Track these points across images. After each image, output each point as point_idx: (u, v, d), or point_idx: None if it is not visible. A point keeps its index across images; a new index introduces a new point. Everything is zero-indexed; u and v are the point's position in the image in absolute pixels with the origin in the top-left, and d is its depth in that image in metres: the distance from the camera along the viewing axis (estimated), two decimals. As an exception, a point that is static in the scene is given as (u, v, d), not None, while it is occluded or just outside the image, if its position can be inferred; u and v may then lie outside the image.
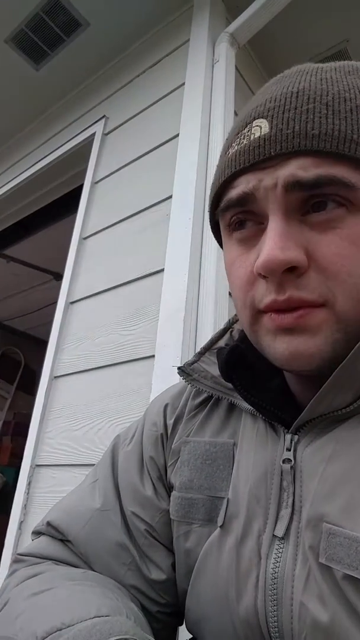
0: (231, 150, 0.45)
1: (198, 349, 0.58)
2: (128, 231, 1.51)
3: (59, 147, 2.05)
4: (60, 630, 0.37)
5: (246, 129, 0.43)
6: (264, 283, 0.42)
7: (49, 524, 0.56)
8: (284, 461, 0.44)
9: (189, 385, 0.57)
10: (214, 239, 1.27)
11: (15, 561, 0.56)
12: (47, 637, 0.37)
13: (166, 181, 1.43)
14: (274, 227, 0.40)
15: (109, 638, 0.36)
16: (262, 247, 0.41)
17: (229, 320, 0.59)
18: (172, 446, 0.56)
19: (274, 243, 0.39)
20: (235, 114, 1.50)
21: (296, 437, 0.45)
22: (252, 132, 0.42)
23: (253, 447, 0.48)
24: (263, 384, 0.49)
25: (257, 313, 0.43)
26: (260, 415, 0.49)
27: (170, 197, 1.38)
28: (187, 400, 0.59)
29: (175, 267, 1.25)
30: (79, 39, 1.95)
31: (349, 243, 0.39)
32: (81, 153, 1.95)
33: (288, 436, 0.46)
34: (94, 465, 1.21)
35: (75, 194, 1.95)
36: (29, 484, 1.39)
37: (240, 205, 0.43)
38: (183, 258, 1.23)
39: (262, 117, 0.42)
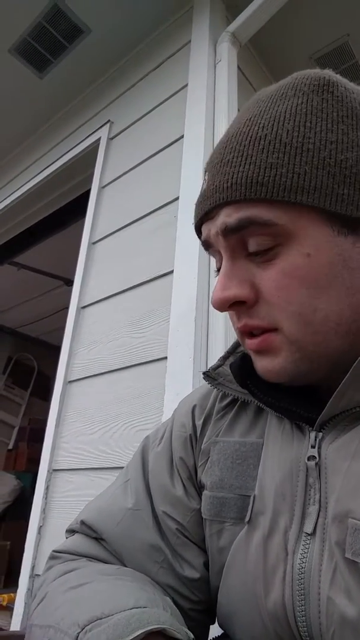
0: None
1: (214, 350, 0.60)
2: (136, 234, 1.52)
3: (65, 154, 2.07)
4: (101, 619, 0.39)
5: (202, 180, 0.51)
6: (233, 313, 0.49)
7: (82, 522, 0.58)
8: (308, 458, 0.45)
9: (215, 389, 0.58)
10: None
11: (51, 557, 0.58)
12: (88, 624, 0.39)
13: (173, 183, 1.44)
14: (222, 269, 0.47)
15: (146, 627, 0.37)
16: None
17: None
18: (202, 446, 0.57)
19: (218, 284, 0.46)
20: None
21: (320, 434, 0.46)
22: (202, 184, 0.50)
23: (279, 445, 0.49)
24: (283, 385, 0.50)
25: (240, 335, 0.49)
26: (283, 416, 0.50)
27: (178, 198, 1.39)
28: (215, 401, 0.60)
29: (185, 268, 1.25)
30: (81, 46, 1.97)
31: (283, 275, 0.44)
32: (87, 158, 1.97)
33: (312, 434, 0.46)
34: (111, 468, 1.23)
35: (83, 199, 1.96)
36: (46, 488, 1.40)
37: (206, 248, 0.51)
38: (192, 259, 1.24)
39: (207, 171, 0.50)
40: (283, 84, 0.48)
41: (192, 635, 0.41)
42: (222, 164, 0.46)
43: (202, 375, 0.59)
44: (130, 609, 0.40)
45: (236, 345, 0.58)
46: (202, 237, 0.51)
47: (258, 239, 0.45)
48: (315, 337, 0.44)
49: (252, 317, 0.46)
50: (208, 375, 0.57)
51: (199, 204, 0.49)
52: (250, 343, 0.47)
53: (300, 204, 0.43)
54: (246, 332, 0.47)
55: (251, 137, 0.45)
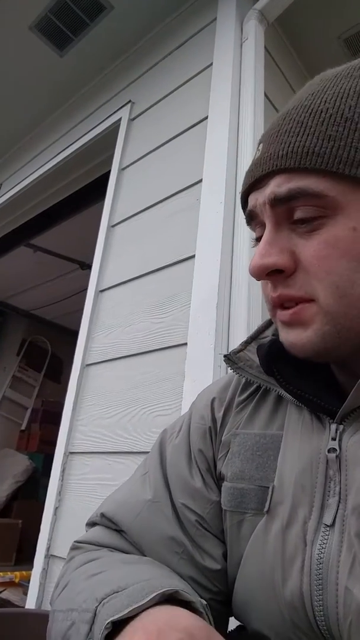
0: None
1: (235, 337, 0.60)
2: (157, 217, 1.49)
3: (84, 135, 2.04)
4: (117, 592, 0.41)
5: (255, 151, 0.52)
6: (269, 282, 0.48)
7: (103, 515, 0.59)
8: (329, 450, 0.46)
9: (235, 374, 0.58)
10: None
11: (73, 548, 0.59)
12: (105, 597, 0.41)
13: (195, 165, 1.41)
14: (264, 237, 0.47)
15: (159, 590, 0.40)
16: None
17: None
18: (222, 439, 0.58)
19: (258, 251, 0.47)
20: (265, 94, 1.46)
21: (341, 426, 0.46)
22: (255, 154, 0.51)
23: (298, 437, 0.49)
24: (307, 374, 0.51)
25: (272, 308, 0.49)
26: (304, 406, 0.50)
27: (201, 181, 1.36)
28: (234, 394, 0.60)
29: (207, 253, 1.23)
30: (102, 23, 1.93)
31: (325, 245, 0.44)
32: (107, 140, 1.94)
33: (333, 426, 0.47)
34: (127, 452, 1.23)
35: (102, 181, 1.94)
36: (63, 470, 1.40)
37: (250, 219, 0.52)
38: (215, 243, 1.21)
39: (262, 141, 0.50)
40: (351, 65, 0.49)
41: (204, 601, 0.42)
42: (279, 133, 0.47)
43: (222, 358, 0.60)
44: (147, 580, 0.42)
45: (260, 331, 0.59)
46: (248, 208, 0.51)
47: (306, 210, 0.45)
48: (350, 310, 0.44)
49: (289, 287, 0.46)
50: (229, 358, 0.58)
51: (250, 172, 0.50)
52: (282, 314, 0.47)
53: (353, 177, 0.43)
54: (279, 304, 0.48)
55: (312, 110, 0.45)
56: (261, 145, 0.50)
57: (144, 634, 0.35)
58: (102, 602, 0.40)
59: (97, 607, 0.40)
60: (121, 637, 0.37)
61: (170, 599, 0.40)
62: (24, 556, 3.20)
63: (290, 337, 0.47)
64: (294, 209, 0.46)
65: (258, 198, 0.48)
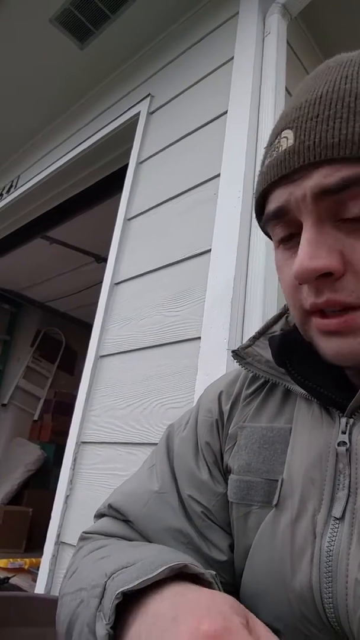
0: (266, 162, 0.48)
1: (249, 333, 0.60)
2: (174, 211, 1.49)
3: (103, 127, 2.04)
4: (126, 567, 0.41)
5: (276, 140, 0.46)
6: (306, 287, 0.45)
7: (110, 506, 0.59)
8: (339, 444, 0.46)
9: (243, 369, 0.58)
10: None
11: (81, 539, 0.60)
12: (115, 572, 0.41)
13: (214, 159, 1.40)
14: (306, 236, 0.43)
15: (169, 564, 0.39)
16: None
17: (284, 305, 0.59)
18: (229, 431, 0.58)
19: (303, 253, 0.42)
20: (287, 90, 1.45)
21: (351, 420, 0.46)
22: (280, 143, 0.45)
23: (308, 430, 0.50)
24: (317, 368, 0.50)
25: (305, 313, 0.46)
26: (315, 400, 0.50)
27: (219, 175, 1.35)
28: (241, 388, 0.60)
29: (223, 248, 1.23)
30: (124, 16, 1.93)
31: None
32: (126, 133, 1.94)
33: (343, 419, 0.47)
34: (140, 443, 1.24)
35: (119, 174, 1.95)
36: (74, 460, 1.42)
37: (277, 217, 0.46)
38: (231, 238, 1.21)
39: (289, 128, 0.45)
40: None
41: (214, 572, 0.42)
42: (319, 120, 0.42)
43: (231, 354, 0.59)
44: (156, 554, 0.42)
45: (268, 326, 0.58)
46: (277, 204, 0.46)
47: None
48: None
49: (337, 292, 0.43)
50: (237, 354, 0.58)
51: (279, 164, 0.45)
52: (326, 323, 0.44)
53: None
54: (318, 310, 0.45)
55: (357, 94, 0.42)
56: (289, 132, 0.45)
57: (209, 621, 0.32)
58: (112, 577, 0.41)
59: (106, 581, 0.41)
60: (151, 607, 0.36)
61: (180, 573, 0.40)
62: (34, 544, 3.25)
63: (336, 345, 0.44)
64: (345, 203, 0.42)
65: (293, 192, 0.44)
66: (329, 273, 0.42)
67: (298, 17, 1.64)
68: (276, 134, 0.47)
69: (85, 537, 0.59)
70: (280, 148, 0.45)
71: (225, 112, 1.44)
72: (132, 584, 0.37)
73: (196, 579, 0.40)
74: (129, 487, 0.61)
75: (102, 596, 0.40)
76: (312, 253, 0.42)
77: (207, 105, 1.55)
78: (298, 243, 0.45)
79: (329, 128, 0.42)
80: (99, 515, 0.62)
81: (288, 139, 0.44)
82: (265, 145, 0.52)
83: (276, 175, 0.45)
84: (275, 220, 0.47)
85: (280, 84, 1.39)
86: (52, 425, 4.35)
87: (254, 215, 1.24)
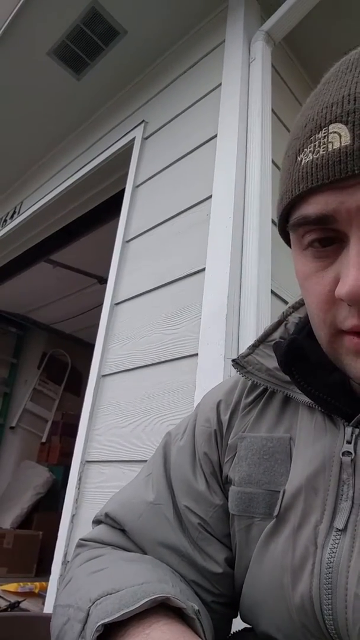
0: (304, 158, 0.41)
1: (244, 347, 0.58)
2: (170, 232, 1.54)
3: (100, 153, 2.11)
4: (111, 593, 0.41)
5: (321, 134, 0.40)
6: (345, 305, 0.41)
7: (107, 515, 0.59)
8: (343, 454, 0.45)
9: (243, 377, 0.57)
10: (254, 237, 1.26)
11: (78, 546, 0.60)
12: (99, 598, 0.41)
13: (206, 182, 1.45)
14: (358, 252, 0.38)
15: (151, 596, 0.39)
16: (343, 271, 0.39)
17: (283, 312, 0.59)
18: (229, 442, 0.57)
19: (358, 272, 0.37)
20: (274, 112, 1.50)
21: (357, 430, 0.45)
22: (330, 139, 0.39)
23: (311, 439, 0.49)
24: (321, 377, 0.49)
25: (337, 331, 0.43)
26: (318, 408, 0.49)
27: (210, 197, 1.40)
28: (240, 397, 0.59)
29: (217, 266, 1.26)
30: (117, 47, 2.01)
31: None
32: (122, 158, 2.00)
33: (349, 429, 0.46)
34: (141, 461, 1.26)
35: (118, 198, 2.00)
36: (79, 479, 1.44)
37: (317, 224, 0.41)
38: (224, 257, 1.25)
39: (341, 122, 0.38)
40: None
41: (196, 607, 0.42)
42: None
43: (231, 363, 0.58)
44: (140, 584, 0.42)
45: (267, 334, 0.57)
46: (321, 210, 0.40)
47: None
48: None
49: None
50: (237, 363, 0.56)
51: (332, 165, 0.38)
52: None
53: None
54: (357, 332, 0.41)
55: None
56: (341, 127, 0.38)
57: None
58: (95, 603, 0.41)
59: (90, 607, 0.41)
60: None
61: (163, 604, 0.40)
62: (45, 567, 3.22)
63: None
64: None
65: (346, 201, 0.38)
66: None
67: (282, 42, 1.70)
68: (319, 126, 0.40)
69: (82, 544, 0.59)
70: (330, 145, 0.38)
71: (215, 136, 1.49)
72: (113, 615, 0.38)
73: (180, 610, 0.41)
74: (126, 496, 0.60)
75: (85, 622, 0.40)
76: None
77: (198, 130, 1.61)
78: (335, 253, 0.41)
79: None
80: (97, 522, 0.62)
81: (341, 135, 0.38)
82: (295, 135, 0.45)
83: (327, 177, 0.39)
84: (311, 226, 0.41)
85: (267, 106, 1.44)
86: (60, 447, 4.35)
87: (245, 233, 1.28)
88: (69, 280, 3.69)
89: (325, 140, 0.39)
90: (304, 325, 0.55)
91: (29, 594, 2.63)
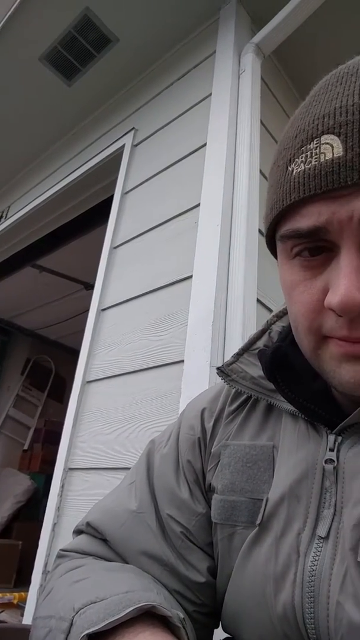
0: (295, 168, 0.41)
1: (230, 354, 0.58)
2: (157, 239, 1.54)
3: (90, 159, 2.11)
4: (95, 602, 0.41)
5: (312, 145, 0.40)
6: (333, 315, 0.40)
7: (88, 524, 0.58)
8: (326, 461, 0.45)
9: (227, 385, 0.57)
10: (241, 245, 1.26)
11: (59, 556, 0.59)
12: (82, 607, 0.41)
13: (194, 190, 1.46)
14: (350, 262, 0.38)
15: (136, 604, 0.39)
16: (334, 281, 0.39)
17: (267, 321, 0.59)
18: (212, 450, 0.57)
19: (350, 282, 0.37)
20: (262, 122, 1.52)
21: (340, 438, 0.46)
22: (322, 150, 0.39)
23: (294, 446, 0.49)
24: (304, 385, 0.49)
25: (322, 338, 0.43)
26: (302, 415, 0.49)
27: (198, 205, 1.41)
28: (224, 404, 0.59)
29: (204, 274, 1.27)
30: (108, 55, 2.02)
31: None
32: (111, 165, 2.01)
33: (331, 437, 0.46)
34: (125, 468, 1.25)
35: (106, 204, 2.00)
36: (62, 487, 1.42)
37: (308, 237, 0.41)
38: (211, 264, 1.26)
39: (333, 133, 0.38)
40: None
41: (182, 615, 0.42)
42: None
43: (216, 371, 0.58)
44: (125, 592, 0.41)
45: (251, 342, 0.57)
46: (313, 222, 0.40)
47: None
48: None
49: None
50: (222, 371, 0.56)
51: (324, 175, 0.38)
52: (354, 347, 0.40)
53: None
54: (347, 341, 0.41)
55: None
56: (333, 138, 0.39)
57: None
58: (79, 612, 0.40)
59: (73, 616, 0.40)
60: None
61: (148, 612, 0.40)
62: (24, 578, 3.15)
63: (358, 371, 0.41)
64: None
65: (338, 211, 0.38)
66: None
67: (272, 55, 1.73)
68: (310, 136, 0.40)
69: (62, 554, 0.58)
70: (322, 156, 0.39)
71: (204, 145, 1.50)
72: (98, 625, 0.37)
73: (165, 619, 0.41)
74: (108, 505, 0.59)
75: (69, 632, 0.39)
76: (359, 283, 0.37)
77: (188, 139, 1.62)
78: (324, 263, 0.41)
79: None
80: (78, 532, 0.61)
81: (334, 147, 0.38)
82: (284, 145, 0.45)
83: (319, 188, 0.38)
84: (302, 239, 0.41)
85: (255, 117, 1.46)
86: (42, 455, 4.29)
87: (232, 241, 1.29)
88: (55, 286, 3.67)
89: (318, 150, 0.39)
90: (288, 334, 0.55)
91: (8, 605, 2.58)
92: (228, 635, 0.54)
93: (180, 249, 1.43)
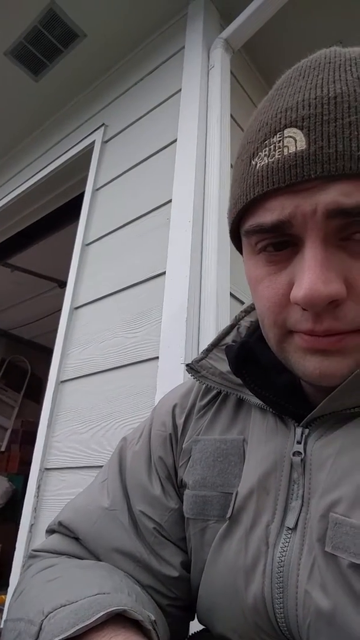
0: (259, 162, 0.41)
1: (204, 347, 0.59)
2: (130, 236, 1.53)
3: (59, 157, 2.08)
4: (64, 605, 0.40)
5: (276, 138, 0.40)
6: (298, 309, 0.41)
7: (60, 523, 0.58)
8: (294, 454, 0.46)
9: (197, 382, 0.57)
10: (213, 241, 1.27)
11: (30, 557, 0.58)
12: (52, 611, 0.40)
13: (166, 186, 1.46)
14: (314, 256, 0.38)
15: (107, 609, 0.39)
16: (298, 275, 0.39)
17: (235, 317, 0.59)
18: (183, 446, 0.57)
19: (315, 276, 0.37)
20: (232, 117, 1.52)
21: (307, 430, 0.46)
22: (285, 144, 0.39)
23: (263, 440, 0.49)
24: (272, 379, 0.50)
25: (287, 332, 0.43)
26: (270, 409, 0.50)
27: (170, 201, 1.40)
28: (195, 400, 0.60)
29: (177, 270, 1.27)
30: (76, 50, 1.99)
31: None
32: (82, 161, 1.98)
33: (299, 430, 0.47)
34: (101, 466, 1.24)
35: (77, 201, 1.98)
36: (38, 487, 1.41)
37: (272, 231, 0.41)
38: (184, 260, 1.26)
39: (296, 127, 0.38)
40: None
41: (153, 618, 0.42)
42: (339, 124, 0.37)
43: (185, 368, 0.58)
44: (95, 595, 0.41)
45: (220, 339, 0.58)
46: (277, 216, 0.40)
47: None
48: None
49: (339, 320, 0.39)
50: (191, 367, 0.57)
51: (287, 169, 0.38)
52: (316, 341, 0.41)
53: None
54: (311, 334, 0.41)
55: None
56: (296, 132, 0.38)
57: None
58: (49, 616, 0.40)
59: (42, 620, 0.40)
60: None
61: (119, 614, 0.40)
62: (3, 582, 3.12)
63: (324, 365, 0.41)
64: (356, 224, 0.38)
65: (301, 205, 0.38)
66: (334, 299, 0.38)
67: (241, 50, 1.73)
68: (273, 130, 0.40)
69: (34, 555, 0.58)
70: (285, 150, 0.39)
71: (175, 141, 1.50)
72: (68, 632, 0.37)
73: (136, 622, 0.40)
74: (81, 503, 0.59)
75: (37, 637, 0.39)
76: (324, 277, 0.37)
77: (158, 134, 1.61)
78: (288, 257, 0.41)
79: (352, 137, 0.37)
80: (50, 531, 0.61)
81: (297, 140, 0.38)
82: (248, 139, 0.44)
83: (282, 181, 0.38)
84: (266, 234, 0.41)
85: (225, 112, 1.46)
86: (20, 456, 4.24)
87: (204, 237, 1.29)
88: (28, 285, 3.62)
89: (281, 144, 0.39)
90: (256, 329, 0.55)
91: (-13, 609, 2.54)
92: (203, 627, 0.54)
93: (152, 245, 1.42)
